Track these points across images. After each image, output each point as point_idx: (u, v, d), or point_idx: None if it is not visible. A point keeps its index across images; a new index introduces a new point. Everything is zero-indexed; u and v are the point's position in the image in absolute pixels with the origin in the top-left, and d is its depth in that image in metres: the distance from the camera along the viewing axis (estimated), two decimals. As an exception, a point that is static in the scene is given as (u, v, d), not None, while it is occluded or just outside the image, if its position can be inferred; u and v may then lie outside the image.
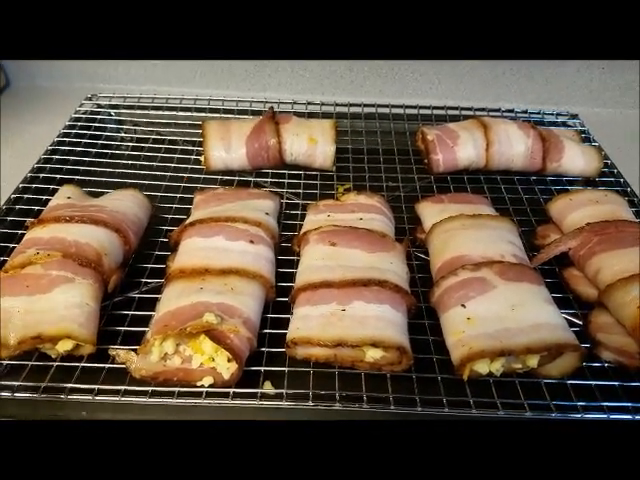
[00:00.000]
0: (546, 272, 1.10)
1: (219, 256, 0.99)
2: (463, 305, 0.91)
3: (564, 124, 1.61)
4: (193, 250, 1.02)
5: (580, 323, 1.00)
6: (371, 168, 1.42)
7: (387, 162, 1.44)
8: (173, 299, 0.93)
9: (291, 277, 1.06)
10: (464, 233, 1.03)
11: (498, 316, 0.87)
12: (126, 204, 1.13)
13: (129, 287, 1.06)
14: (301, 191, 1.35)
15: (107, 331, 0.96)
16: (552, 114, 1.62)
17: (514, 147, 1.32)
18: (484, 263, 0.94)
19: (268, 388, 0.91)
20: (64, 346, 0.89)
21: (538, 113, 1.62)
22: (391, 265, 1.01)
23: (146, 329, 0.93)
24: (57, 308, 0.88)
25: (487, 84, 1.77)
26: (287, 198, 1.33)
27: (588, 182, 1.38)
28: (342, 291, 0.95)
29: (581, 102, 1.79)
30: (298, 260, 1.08)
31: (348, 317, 0.91)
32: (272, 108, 1.42)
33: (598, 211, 1.12)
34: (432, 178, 1.39)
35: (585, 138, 1.51)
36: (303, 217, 1.22)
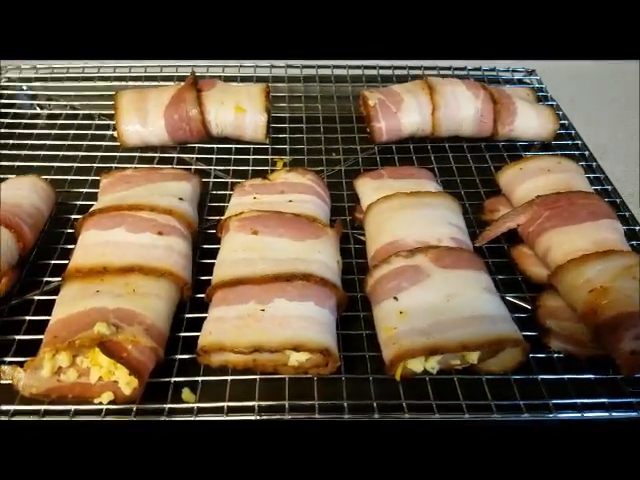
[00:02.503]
0: (494, 251, 1.00)
1: (119, 252, 0.86)
2: (395, 298, 0.81)
3: (520, 82, 1.48)
4: (90, 245, 0.89)
5: (529, 308, 0.91)
6: (310, 139, 1.28)
7: (328, 131, 1.30)
8: (66, 304, 0.82)
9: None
10: (400, 214, 0.92)
11: (432, 308, 0.77)
12: (22, 194, 0.99)
13: (29, 287, 0.93)
14: (231, 168, 1.21)
15: (-1, 341, 0.84)
16: (507, 71, 1.50)
17: (462, 110, 1.20)
18: (419, 249, 0.84)
19: (187, 397, 0.81)
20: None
21: (492, 70, 1.49)
22: (319, 254, 0.89)
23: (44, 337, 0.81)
24: None
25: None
26: (215, 176, 1.20)
27: (544, 147, 1.28)
28: (262, 288, 0.83)
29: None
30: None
31: (267, 318, 0.80)
32: (193, 72, 1.26)
33: (550, 181, 1.01)
34: (376, 149, 1.26)
35: (542, 97, 1.40)
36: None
